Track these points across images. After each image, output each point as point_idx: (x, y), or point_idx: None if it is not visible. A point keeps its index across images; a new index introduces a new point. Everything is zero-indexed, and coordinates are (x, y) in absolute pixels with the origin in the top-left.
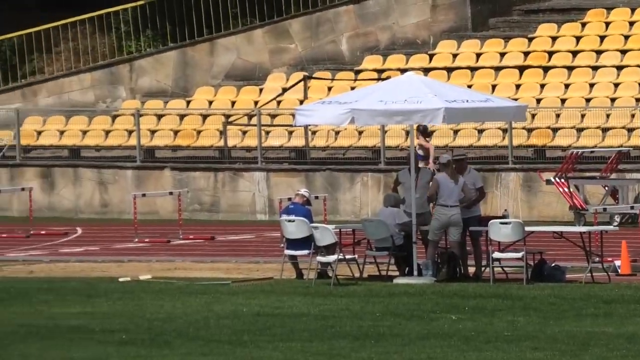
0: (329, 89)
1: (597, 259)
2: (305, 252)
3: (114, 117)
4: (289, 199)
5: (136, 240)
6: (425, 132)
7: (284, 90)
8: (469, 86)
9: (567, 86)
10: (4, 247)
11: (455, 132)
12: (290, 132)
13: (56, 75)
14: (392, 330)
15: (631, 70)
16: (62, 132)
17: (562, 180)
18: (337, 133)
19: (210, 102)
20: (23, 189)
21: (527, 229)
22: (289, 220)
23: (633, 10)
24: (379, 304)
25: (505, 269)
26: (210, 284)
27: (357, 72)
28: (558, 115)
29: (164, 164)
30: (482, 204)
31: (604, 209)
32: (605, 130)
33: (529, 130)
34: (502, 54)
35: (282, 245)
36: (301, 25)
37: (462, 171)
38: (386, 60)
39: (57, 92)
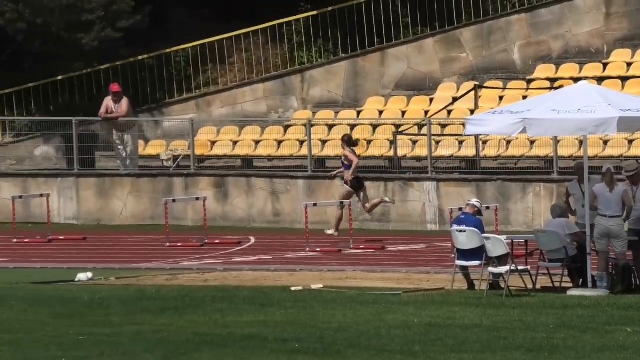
0: (500, 98)
1: None
2: (477, 262)
3: (286, 128)
4: (460, 209)
5: (308, 249)
6: (350, 142)
7: (455, 99)
8: None
9: None
10: (179, 255)
11: (630, 142)
12: (461, 142)
13: (230, 87)
14: (566, 342)
15: None
16: (235, 143)
17: None
18: (508, 142)
19: (381, 112)
20: (197, 199)
21: None
22: (460, 231)
23: None
24: (553, 315)
25: None
26: (381, 294)
27: (529, 82)
28: None
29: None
30: None
31: None
32: None
33: None
34: None
35: (453, 255)
36: (472, 34)
37: (637, 182)
38: (559, 69)
39: (230, 103)
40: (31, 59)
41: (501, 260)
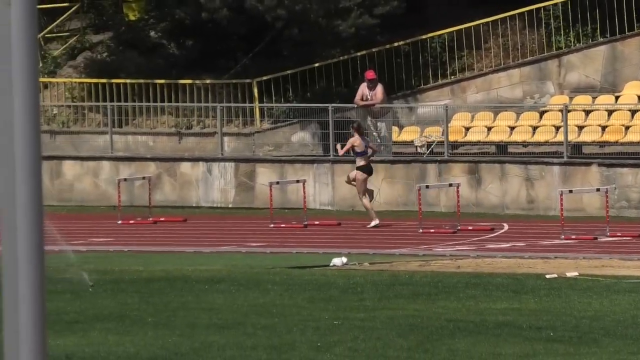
0: None
1: None
2: None
3: (542, 113)
4: None
5: (562, 237)
6: (359, 130)
7: None
8: None
9: None
10: (432, 242)
11: None
12: None
13: (485, 72)
14: None
15: None
16: (489, 129)
17: None
18: None
19: None
20: (450, 185)
21: None
22: None
23: None
24: None
25: None
26: (639, 282)
27: None
28: None
29: (591, 160)
30: None
31: None
32: None
33: None
34: None
35: None
36: None
37: None
38: None
39: (485, 89)
40: (289, 46)
41: None
